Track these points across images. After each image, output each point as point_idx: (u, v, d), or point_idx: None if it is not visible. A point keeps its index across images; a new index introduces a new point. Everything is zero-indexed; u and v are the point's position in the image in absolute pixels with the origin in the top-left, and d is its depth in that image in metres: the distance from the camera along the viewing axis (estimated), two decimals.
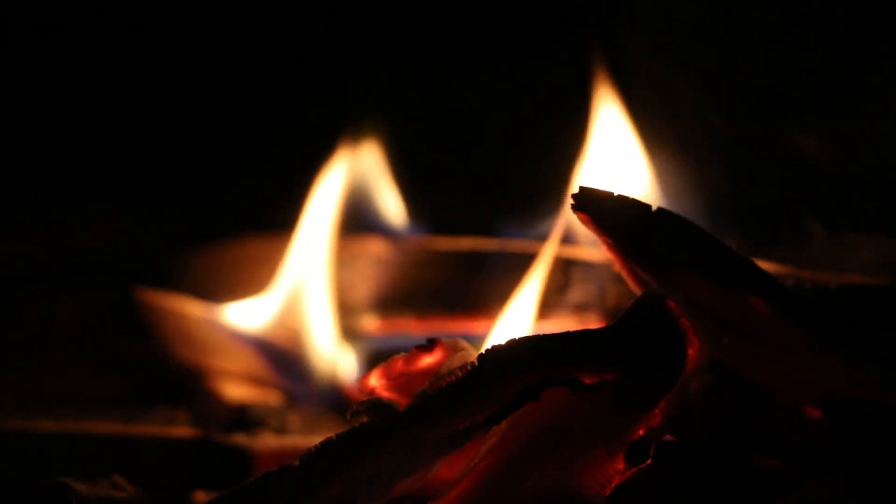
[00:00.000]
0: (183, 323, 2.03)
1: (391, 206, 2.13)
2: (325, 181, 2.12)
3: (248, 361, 2.01)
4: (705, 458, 1.21)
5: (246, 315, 2.02)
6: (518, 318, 1.73)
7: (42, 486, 1.33)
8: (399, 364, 1.20)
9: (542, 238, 1.95)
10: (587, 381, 1.13)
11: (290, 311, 2.05)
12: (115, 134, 2.78)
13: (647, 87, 1.96)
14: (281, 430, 1.90)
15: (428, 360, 1.20)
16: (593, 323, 1.87)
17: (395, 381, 1.20)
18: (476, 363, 1.13)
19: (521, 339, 1.14)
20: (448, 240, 2.11)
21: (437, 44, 2.71)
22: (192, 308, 2.02)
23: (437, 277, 2.07)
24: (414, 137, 2.67)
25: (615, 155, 1.93)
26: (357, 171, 2.13)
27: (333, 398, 2.02)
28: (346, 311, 2.07)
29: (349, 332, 2.04)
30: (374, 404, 1.15)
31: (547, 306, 1.92)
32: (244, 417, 1.96)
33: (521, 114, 2.60)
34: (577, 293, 1.92)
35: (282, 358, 2.02)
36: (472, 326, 2.01)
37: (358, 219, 2.10)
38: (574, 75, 2.01)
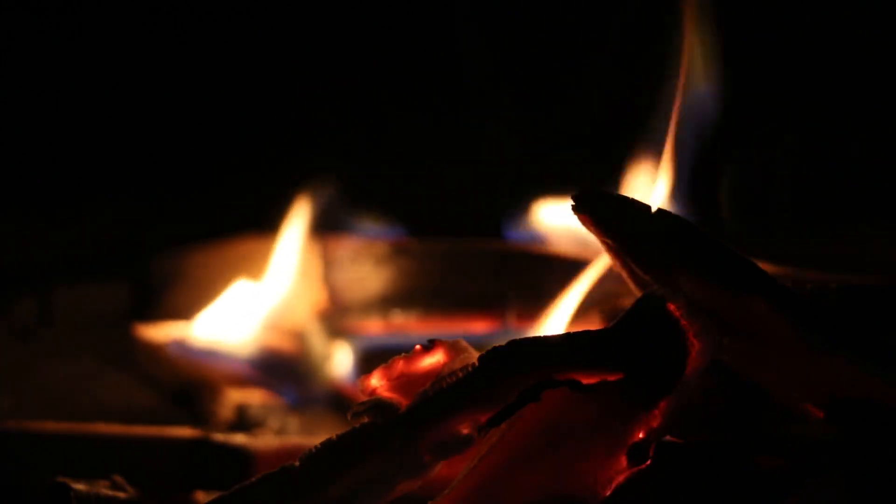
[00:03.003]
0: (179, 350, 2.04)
1: (389, 205, 2.13)
2: (321, 182, 2.12)
3: (245, 372, 2.02)
4: (705, 458, 1.21)
5: (234, 328, 2.02)
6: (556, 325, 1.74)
7: (42, 486, 1.33)
8: (400, 364, 1.20)
9: (542, 237, 1.95)
10: (587, 382, 1.13)
11: (286, 312, 2.05)
12: (116, 134, 2.78)
13: (647, 86, 1.96)
14: (281, 430, 1.91)
15: (429, 361, 1.20)
16: (593, 324, 1.86)
17: (395, 382, 1.20)
18: (477, 364, 1.13)
19: (521, 340, 1.14)
20: (448, 240, 2.11)
21: (434, 44, 2.71)
22: (183, 334, 2.02)
23: (437, 277, 2.07)
24: (413, 136, 2.67)
25: (613, 153, 1.93)
26: (354, 170, 2.13)
27: (329, 398, 2.02)
28: (346, 311, 2.07)
29: (348, 332, 2.05)
30: (375, 405, 1.15)
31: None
32: (244, 417, 1.96)
33: (521, 112, 2.60)
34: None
35: (276, 366, 2.02)
36: (472, 326, 2.01)
37: (356, 219, 2.10)
38: (574, 70, 2.01)
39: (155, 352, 2.06)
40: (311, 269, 2.08)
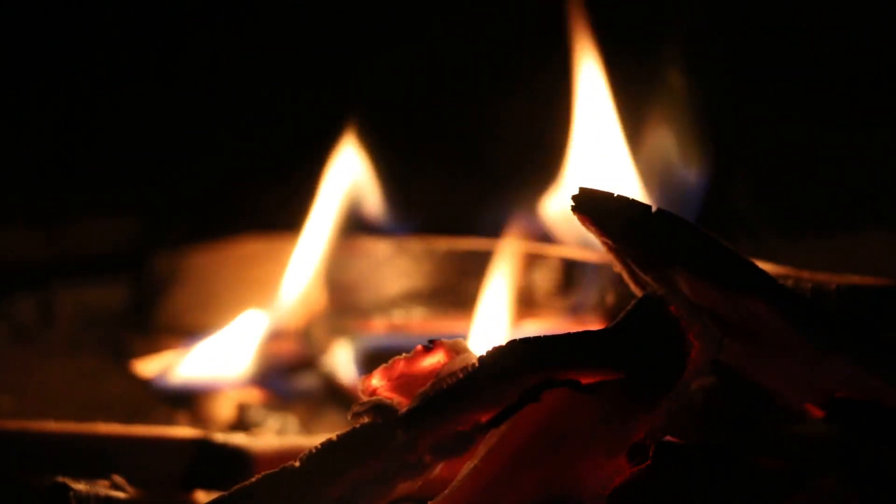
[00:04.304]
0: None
1: (390, 206, 2.13)
2: (323, 182, 2.12)
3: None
4: (705, 459, 1.21)
5: (228, 358, 2.01)
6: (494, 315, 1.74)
7: (42, 486, 1.33)
8: (400, 365, 1.20)
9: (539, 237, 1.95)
10: (587, 382, 1.13)
11: (287, 314, 2.05)
12: (116, 134, 2.79)
13: (640, 82, 1.96)
14: (281, 430, 1.91)
15: (429, 361, 1.20)
16: (593, 324, 1.86)
17: (396, 382, 1.20)
18: (477, 364, 1.13)
19: (521, 340, 1.14)
20: (448, 240, 2.11)
21: (434, 41, 2.72)
22: (174, 370, 2.01)
23: (437, 277, 2.07)
24: (413, 137, 2.68)
25: (608, 154, 1.93)
26: (356, 170, 2.13)
27: (326, 391, 2.02)
28: (346, 311, 2.07)
29: (349, 332, 2.05)
30: (375, 405, 1.15)
31: (547, 306, 1.92)
32: (244, 417, 1.96)
33: (521, 112, 2.60)
34: (577, 293, 1.92)
35: (274, 370, 2.03)
36: (472, 327, 2.00)
37: (357, 219, 2.10)
38: (572, 71, 2.01)
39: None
40: (312, 270, 2.08)
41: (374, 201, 2.11)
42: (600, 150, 1.88)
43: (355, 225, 2.09)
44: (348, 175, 2.11)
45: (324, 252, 2.07)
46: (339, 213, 2.08)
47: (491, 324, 1.79)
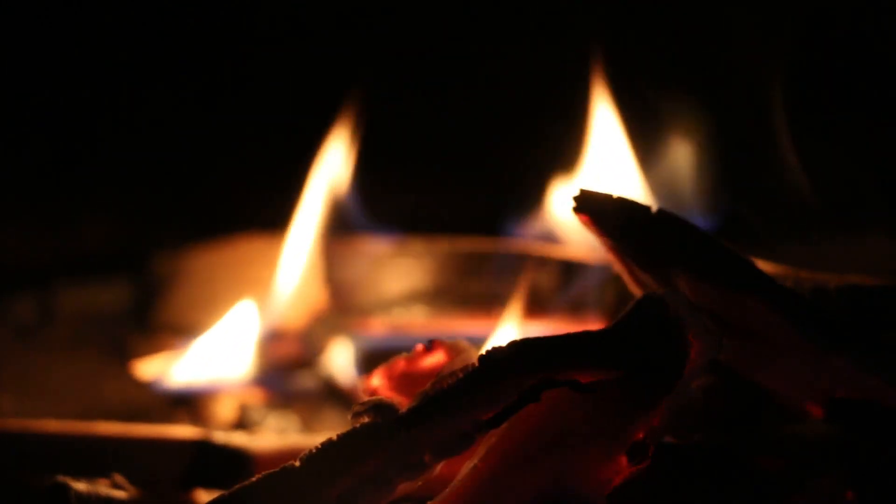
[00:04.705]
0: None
1: (391, 206, 2.13)
2: (322, 181, 2.12)
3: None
4: (705, 459, 1.21)
5: (227, 358, 2.01)
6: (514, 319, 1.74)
7: (42, 485, 1.33)
8: (401, 365, 1.20)
9: (540, 237, 1.95)
10: (587, 382, 1.13)
11: (287, 315, 2.05)
12: (116, 134, 2.79)
13: (645, 85, 1.96)
14: (281, 430, 1.91)
15: (429, 361, 1.20)
16: (593, 324, 1.87)
17: (396, 382, 1.20)
18: (477, 364, 1.13)
19: (521, 340, 1.14)
20: (448, 240, 2.12)
21: (434, 42, 2.71)
22: (172, 372, 2.01)
23: (437, 277, 2.07)
24: (414, 137, 2.68)
25: (612, 153, 1.93)
26: (355, 170, 2.13)
27: (326, 391, 2.03)
28: (347, 312, 2.08)
29: (350, 332, 2.05)
30: (376, 405, 1.15)
31: (547, 306, 1.92)
32: (244, 417, 1.96)
33: (522, 113, 2.60)
34: (577, 293, 1.93)
35: (274, 372, 2.03)
36: (472, 326, 2.01)
37: (357, 219, 2.10)
38: (573, 71, 2.01)
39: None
40: (313, 270, 2.08)
41: (375, 201, 2.11)
42: (606, 152, 1.89)
43: (354, 225, 2.09)
44: (349, 175, 2.11)
45: (318, 251, 2.07)
46: (335, 213, 2.08)
47: (504, 325, 1.79)
